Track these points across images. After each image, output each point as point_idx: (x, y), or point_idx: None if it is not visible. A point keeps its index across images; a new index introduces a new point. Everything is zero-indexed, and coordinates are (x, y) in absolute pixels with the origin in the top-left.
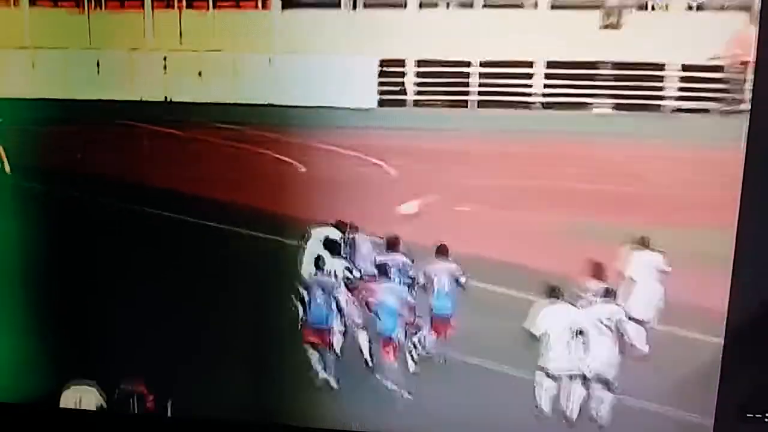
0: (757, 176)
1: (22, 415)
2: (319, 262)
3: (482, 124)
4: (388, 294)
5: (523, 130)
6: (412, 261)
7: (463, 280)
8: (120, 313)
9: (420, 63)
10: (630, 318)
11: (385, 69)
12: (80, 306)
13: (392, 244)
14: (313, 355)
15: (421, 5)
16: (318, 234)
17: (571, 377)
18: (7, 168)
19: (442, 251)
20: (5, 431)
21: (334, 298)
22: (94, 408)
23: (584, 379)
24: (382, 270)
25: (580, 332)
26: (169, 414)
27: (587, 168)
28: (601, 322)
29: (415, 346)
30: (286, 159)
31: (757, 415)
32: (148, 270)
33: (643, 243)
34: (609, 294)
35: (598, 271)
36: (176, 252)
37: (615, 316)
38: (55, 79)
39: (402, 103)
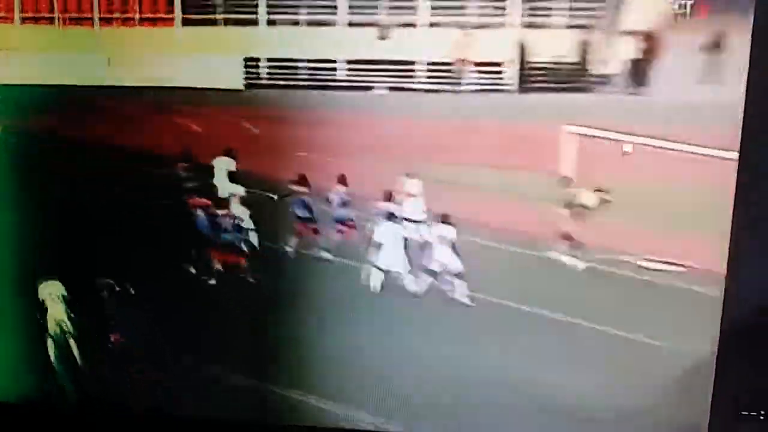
0: (750, 180)
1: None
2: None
3: (309, 101)
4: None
5: (326, 104)
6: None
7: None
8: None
9: (269, 60)
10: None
11: (248, 64)
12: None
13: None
14: None
15: (268, 23)
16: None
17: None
18: None
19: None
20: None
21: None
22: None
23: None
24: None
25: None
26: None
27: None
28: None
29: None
30: (193, 124)
31: (752, 413)
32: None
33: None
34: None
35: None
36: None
37: (422, 231)
38: (36, 70)
39: (260, 86)
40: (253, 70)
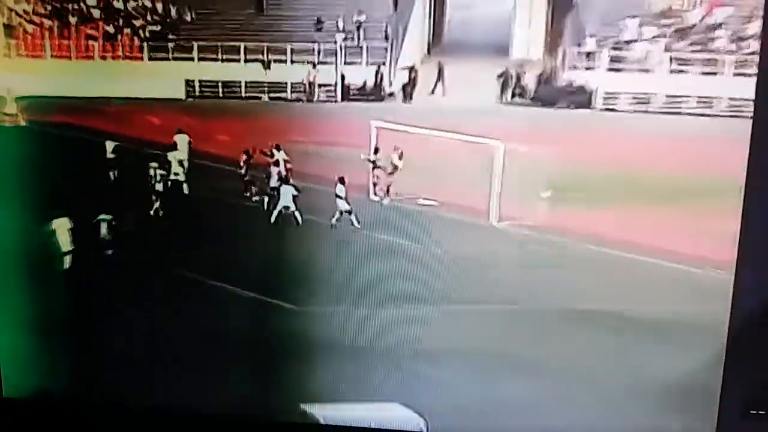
0: (760, 177)
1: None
2: None
3: (224, 106)
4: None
5: (233, 107)
6: None
7: None
8: None
9: (200, 81)
10: None
11: (187, 83)
12: None
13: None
14: None
15: (199, 59)
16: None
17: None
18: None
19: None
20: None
21: None
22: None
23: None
24: None
25: None
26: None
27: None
28: None
29: None
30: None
31: (760, 412)
32: None
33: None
34: None
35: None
36: None
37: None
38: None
39: (195, 97)
40: (190, 87)
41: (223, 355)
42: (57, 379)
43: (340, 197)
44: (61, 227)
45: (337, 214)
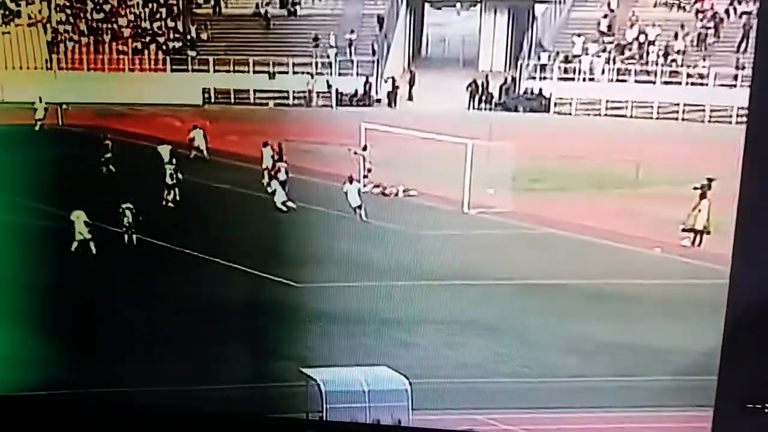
0: (754, 174)
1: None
2: None
3: (236, 112)
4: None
5: (244, 114)
6: None
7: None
8: None
9: (215, 89)
10: None
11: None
12: None
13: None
14: None
15: (215, 71)
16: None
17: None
18: None
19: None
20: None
21: None
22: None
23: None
24: None
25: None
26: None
27: None
28: None
29: None
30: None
31: (756, 406)
32: None
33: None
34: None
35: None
36: None
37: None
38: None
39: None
40: (206, 95)
41: (232, 329)
42: (62, 374)
43: (350, 194)
44: (79, 219)
45: (351, 210)
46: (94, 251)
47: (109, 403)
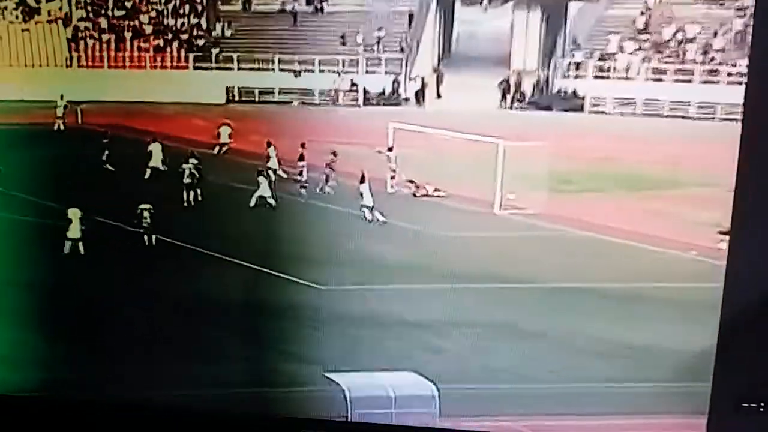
0: (752, 174)
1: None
2: None
3: (259, 109)
4: None
5: (266, 111)
6: None
7: None
8: None
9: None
10: None
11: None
12: None
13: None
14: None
15: (238, 69)
16: None
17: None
18: None
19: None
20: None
21: None
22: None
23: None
24: None
25: None
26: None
27: None
28: None
29: None
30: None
31: (752, 405)
32: None
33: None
34: None
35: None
36: None
37: None
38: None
39: (233, 102)
40: (230, 94)
41: (257, 331)
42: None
43: (363, 193)
44: (74, 217)
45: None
46: (82, 251)
47: (113, 403)
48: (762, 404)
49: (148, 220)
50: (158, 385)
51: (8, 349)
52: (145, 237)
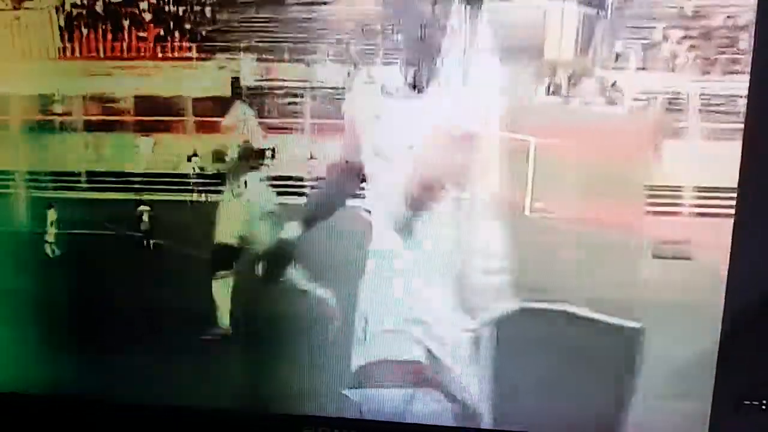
0: (754, 169)
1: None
2: None
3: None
4: None
5: None
6: None
7: None
8: None
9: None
10: None
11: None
12: None
13: None
14: None
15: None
16: None
17: None
18: None
19: None
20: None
21: None
22: None
23: None
24: None
25: None
26: None
27: None
28: None
29: None
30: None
31: (754, 403)
32: None
33: None
34: None
35: None
36: None
37: None
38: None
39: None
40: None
41: (270, 345)
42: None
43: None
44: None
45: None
46: (50, 255)
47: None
48: (764, 402)
49: (147, 225)
50: (158, 384)
51: (11, 347)
52: (144, 241)
